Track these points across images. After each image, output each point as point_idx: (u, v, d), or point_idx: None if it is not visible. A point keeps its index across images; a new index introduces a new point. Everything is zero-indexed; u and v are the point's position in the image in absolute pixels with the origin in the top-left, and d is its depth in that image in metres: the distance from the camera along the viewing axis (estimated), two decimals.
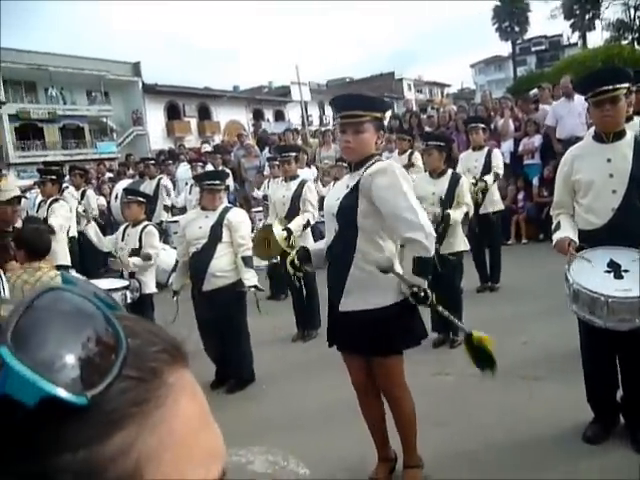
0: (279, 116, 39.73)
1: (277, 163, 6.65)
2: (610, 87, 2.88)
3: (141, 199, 5.37)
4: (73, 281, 0.40)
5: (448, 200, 4.90)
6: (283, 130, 12.78)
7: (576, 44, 42.27)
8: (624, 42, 30.94)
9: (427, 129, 9.76)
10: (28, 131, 29.31)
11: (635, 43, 31.10)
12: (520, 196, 8.89)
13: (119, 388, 0.34)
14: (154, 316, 5.00)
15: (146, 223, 5.31)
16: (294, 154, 5.88)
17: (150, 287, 5.13)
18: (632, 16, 33.73)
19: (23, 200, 5.59)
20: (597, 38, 37.89)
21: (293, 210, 5.56)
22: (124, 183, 9.73)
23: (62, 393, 0.31)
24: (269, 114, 39.71)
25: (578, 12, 37.77)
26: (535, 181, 8.68)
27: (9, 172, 25.16)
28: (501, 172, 6.38)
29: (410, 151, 7.89)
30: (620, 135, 2.99)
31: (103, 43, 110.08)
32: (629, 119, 4.19)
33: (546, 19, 41.92)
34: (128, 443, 0.34)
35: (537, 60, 51.53)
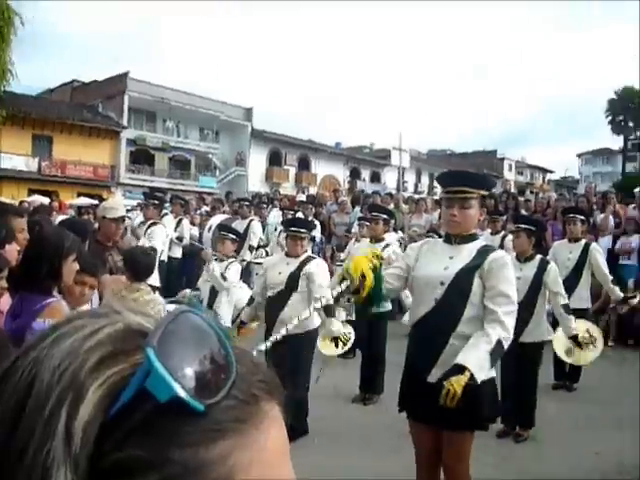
0: (375, 177, 40.37)
1: (367, 223, 6.75)
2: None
3: (234, 236, 5.62)
4: (198, 306, 0.47)
5: (535, 287, 4.76)
6: (377, 192, 12.97)
7: None
8: None
9: (523, 212, 9.59)
10: (141, 156, 31.49)
11: None
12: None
13: (227, 404, 0.40)
14: None
15: (232, 260, 5.54)
16: (384, 216, 5.95)
17: (225, 320, 5.30)
18: None
19: (126, 219, 5.99)
20: None
21: None
22: (218, 218, 10.14)
23: (188, 397, 0.38)
24: (366, 174, 40.45)
25: None
26: (630, 283, 8.25)
27: (117, 190, 27.16)
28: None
29: (503, 233, 7.77)
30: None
31: (219, 82, 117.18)
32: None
33: None
34: (227, 452, 0.40)
35: None
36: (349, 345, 4.94)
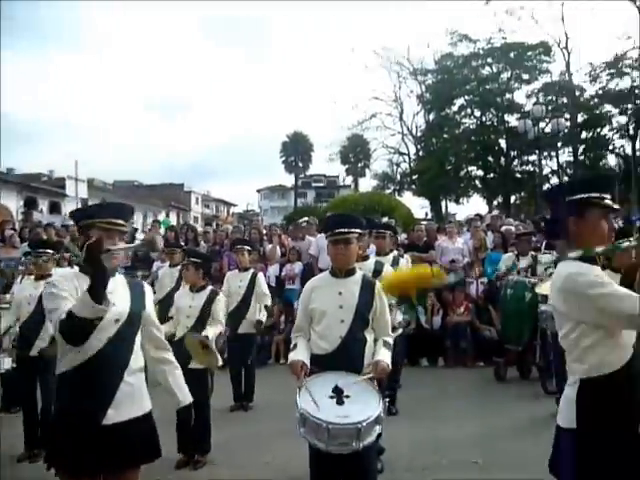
0: (55, 208, 37.15)
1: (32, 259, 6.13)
2: (345, 230, 3.34)
3: None
4: None
5: (204, 315, 5.02)
6: (50, 224, 11.92)
7: (349, 186, 47.83)
8: (387, 191, 36.01)
9: (202, 244, 9.98)
10: None
11: (395, 193, 36.33)
12: (282, 318, 9.36)
13: None
14: None
15: None
16: (51, 252, 5.51)
17: None
18: (394, 170, 39.59)
19: None
20: (367, 184, 43.40)
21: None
22: None
23: None
24: (44, 204, 36.95)
25: (352, 160, 43.20)
26: (295, 305, 9.24)
27: None
28: (267, 298, 6.79)
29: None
30: (351, 272, 3.42)
31: None
32: (365, 258, 4.83)
33: (326, 161, 47.22)
34: None
35: (316, 195, 57.13)
36: None
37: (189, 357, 4.67)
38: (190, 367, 4.50)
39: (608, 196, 2.31)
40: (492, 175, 35.13)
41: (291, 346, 3.44)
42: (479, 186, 36.09)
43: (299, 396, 3.08)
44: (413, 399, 6.54)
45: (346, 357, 3.22)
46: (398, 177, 39.63)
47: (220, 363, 4.93)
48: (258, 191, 61.87)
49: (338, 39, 74.91)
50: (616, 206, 2.34)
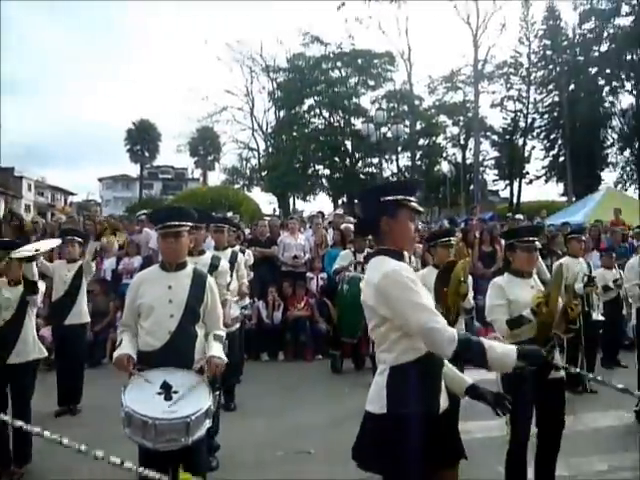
0: None
1: None
2: (175, 223, 3.23)
3: None
4: None
5: (22, 307, 4.70)
6: None
7: (198, 179, 46.87)
8: (236, 186, 35.87)
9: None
10: None
11: (244, 189, 36.33)
12: (118, 314, 8.89)
13: None
14: None
15: None
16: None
17: None
18: (244, 165, 39.56)
19: None
20: (216, 178, 42.83)
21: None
22: None
23: None
24: None
25: (202, 153, 42.37)
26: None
27: None
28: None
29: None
30: (182, 266, 3.33)
31: None
32: (201, 253, 4.74)
33: (174, 152, 45.64)
34: None
35: (163, 187, 55.13)
36: None
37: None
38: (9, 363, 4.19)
39: (415, 199, 2.46)
40: (338, 175, 36.50)
41: (117, 343, 3.28)
42: (325, 185, 37.34)
43: (124, 394, 2.95)
44: (253, 394, 6.56)
45: (175, 352, 3.13)
46: (248, 172, 39.69)
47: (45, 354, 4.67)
48: (100, 180, 58.26)
49: (192, 28, 72.74)
50: (421, 209, 2.52)
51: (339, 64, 36.15)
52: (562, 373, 3.65)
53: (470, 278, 5.01)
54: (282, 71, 36.88)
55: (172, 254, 3.28)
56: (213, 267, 4.58)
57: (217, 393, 3.00)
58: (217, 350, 3.24)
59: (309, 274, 9.33)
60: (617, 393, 7.01)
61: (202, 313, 3.30)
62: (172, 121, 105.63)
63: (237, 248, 6.63)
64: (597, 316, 7.03)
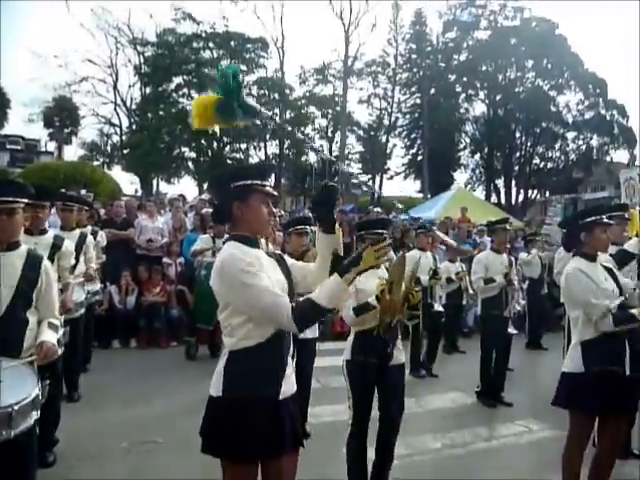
0: None
1: None
2: (9, 199, 2.95)
3: None
4: None
5: None
6: None
7: (52, 153, 43.38)
8: (95, 163, 33.69)
9: None
10: None
11: (104, 166, 34.28)
12: None
13: None
14: None
15: None
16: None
17: None
18: (105, 142, 37.30)
19: None
20: (73, 152, 39.82)
21: None
22: None
23: None
24: None
25: (57, 124, 39.25)
26: None
27: None
28: None
29: None
30: (14, 246, 3.05)
31: None
32: (42, 232, 4.39)
33: (25, 121, 41.61)
34: None
35: (10, 158, 50.26)
36: None
37: None
38: None
39: (268, 183, 2.46)
40: (204, 159, 35.69)
41: None
42: (191, 168, 36.38)
43: None
44: (101, 383, 6.28)
45: (1, 340, 2.86)
46: (108, 149, 37.51)
47: None
48: None
49: None
50: (275, 192, 2.50)
51: (211, 45, 35.20)
52: (403, 359, 3.87)
53: None
54: (150, 45, 35.12)
55: (3, 232, 2.97)
56: (55, 248, 4.27)
57: (47, 382, 2.77)
58: (49, 336, 3.00)
59: (167, 260, 9.04)
60: (457, 377, 7.66)
61: (35, 298, 3.04)
62: (23, 86, 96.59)
63: (88, 229, 6.25)
64: (438, 307, 7.57)
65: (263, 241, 2.60)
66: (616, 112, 35.28)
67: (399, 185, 64.13)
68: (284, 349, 2.41)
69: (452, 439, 5.20)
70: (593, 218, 3.55)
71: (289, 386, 2.43)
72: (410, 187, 51.60)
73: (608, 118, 35.31)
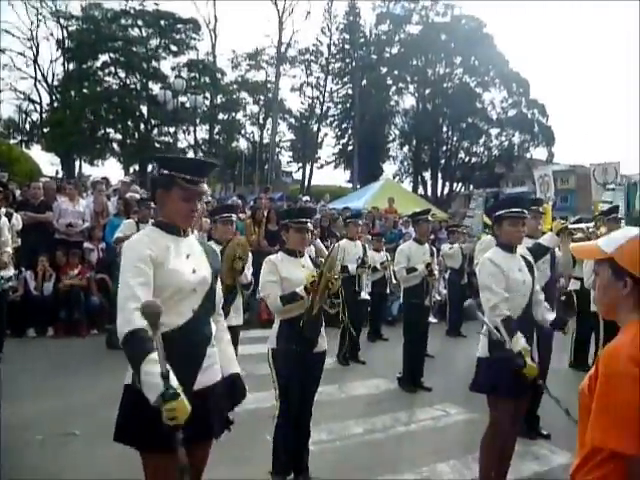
0: None
1: None
2: None
3: None
4: None
5: None
6: None
7: None
8: (12, 141, 31.87)
9: None
10: None
11: (22, 145, 32.50)
12: None
13: None
14: None
15: None
16: None
17: None
18: (23, 119, 35.33)
19: None
20: None
21: None
22: None
23: None
24: None
25: None
26: None
27: None
28: None
29: None
30: None
31: None
32: None
33: None
34: None
35: None
36: None
37: None
38: None
39: (198, 179, 2.39)
40: (130, 141, 34.52)
41: None
42: (117, 150, 35.13)
43: None
44: (15, 374, 5.96)
45: None
46: (27, 127, 35.57)
47: None
48: None
49: None
50: (201, 190, 2.44)
51: (140, 23, 33.89)
52: (325, 346, 3.93)
53: (250, 255, 5.14)
54: (74, 19, 33.46)
55: None
56: None
57: None
58: None
59: (89, 245, 8.73)
60: (380, 364, 7.85)
61: None
62: None
63: (2, 211, 5.95)
64: (365, 295, 7.73)
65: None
66: (537, 111, 36.85)
67: (329, 174, 64.64)
68: (200, 339, 2.40)
69: (373, 424, 5.34)
70: (503, 211, 3.73)
71: (209, 376, 2.41)
72: (340, 177, 52.21)
73: (529, 117, 36.83)
